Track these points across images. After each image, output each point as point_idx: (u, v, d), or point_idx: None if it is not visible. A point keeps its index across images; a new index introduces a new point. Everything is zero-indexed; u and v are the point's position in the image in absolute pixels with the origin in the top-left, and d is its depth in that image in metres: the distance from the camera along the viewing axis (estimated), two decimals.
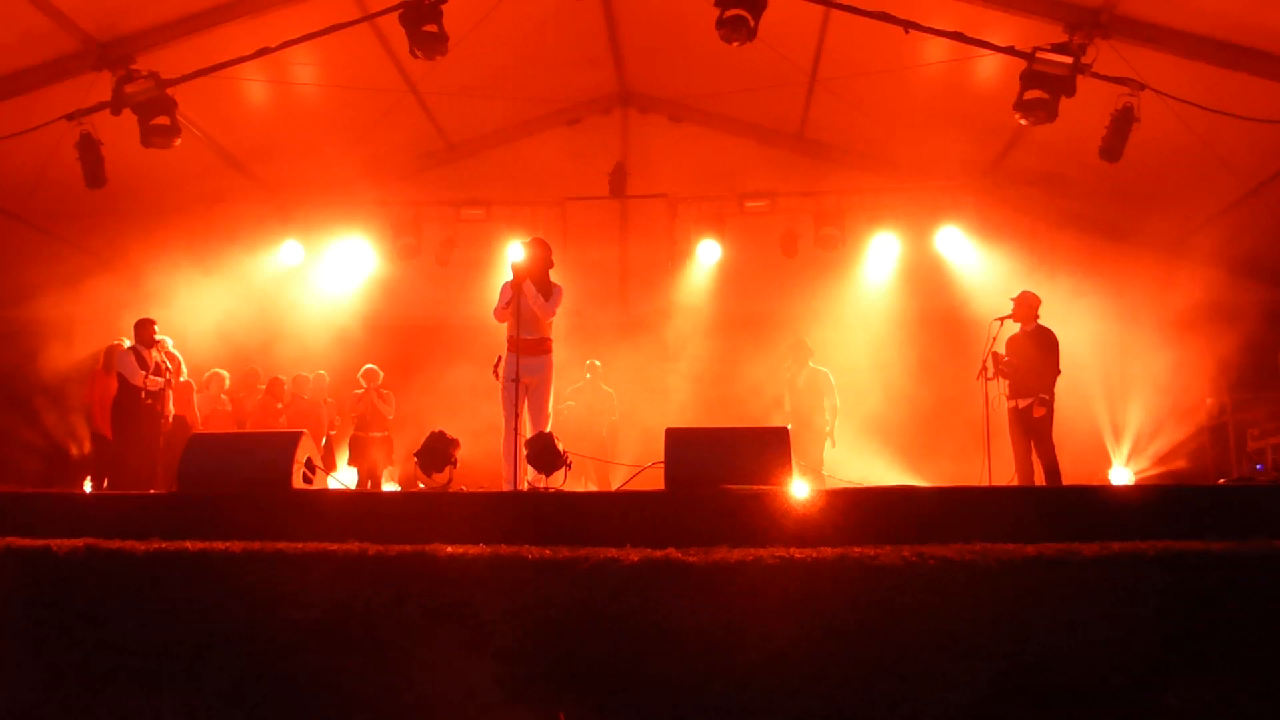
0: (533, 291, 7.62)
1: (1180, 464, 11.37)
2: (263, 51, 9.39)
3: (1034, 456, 8.64)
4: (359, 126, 12.18)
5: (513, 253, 9.44)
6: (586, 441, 10.78)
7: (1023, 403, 8.62)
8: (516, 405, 7.50)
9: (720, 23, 8.63)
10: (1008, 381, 8.75)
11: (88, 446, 10.83)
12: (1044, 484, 8.48)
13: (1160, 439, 11.48)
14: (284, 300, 13.34)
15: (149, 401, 9.42)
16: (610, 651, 4.50)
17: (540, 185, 13.42)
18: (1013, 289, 9.14)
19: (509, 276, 7.71)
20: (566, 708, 4.35)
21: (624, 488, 7.58)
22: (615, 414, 11.95)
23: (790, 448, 6.24)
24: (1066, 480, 8.54)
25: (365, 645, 4.65)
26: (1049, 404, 8.54)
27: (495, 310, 7.76)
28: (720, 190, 13.25)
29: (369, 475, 11.36)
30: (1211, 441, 11.45)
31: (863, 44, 10.16)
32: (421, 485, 7.89)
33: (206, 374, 11.22)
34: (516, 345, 7.62)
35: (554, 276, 7.90)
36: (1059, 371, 8.64)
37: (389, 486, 11.37)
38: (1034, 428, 8.53)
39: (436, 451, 7.81)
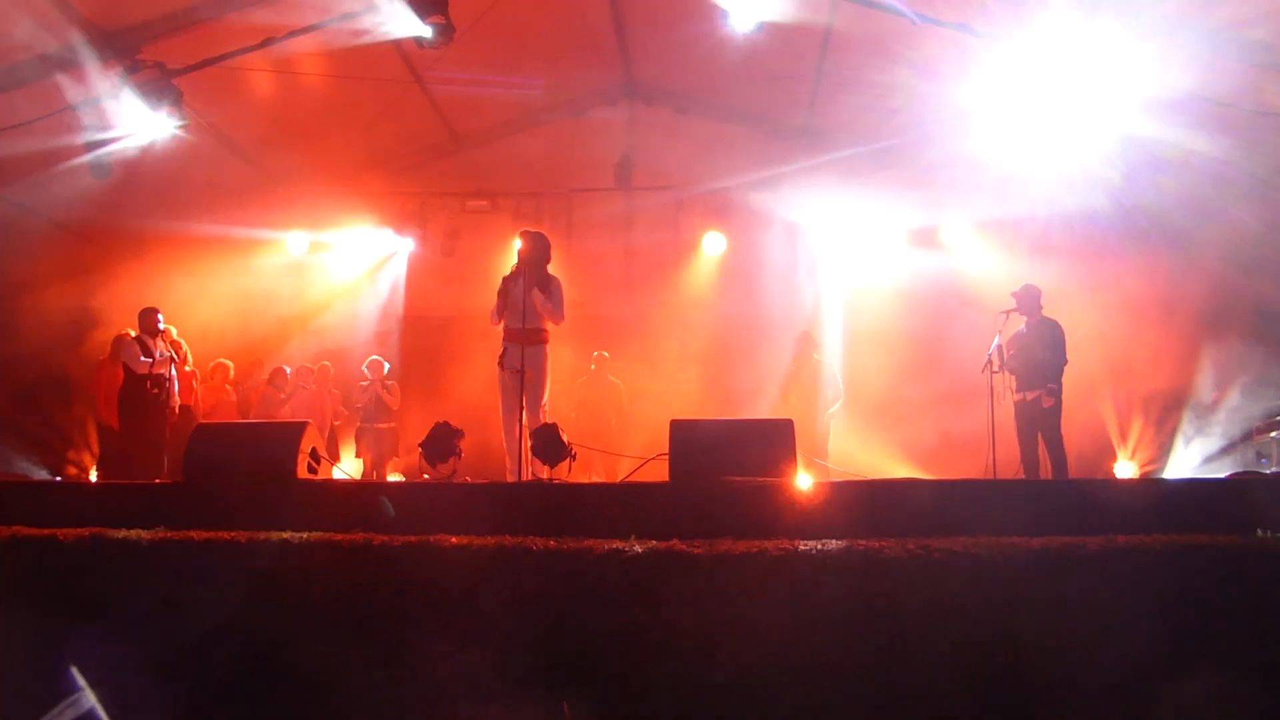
0: (541, 299, 7.65)
1: (1185, 458, 11.34)
2: (268, 42, 9.38)
3: (1040, 450, 8.63)
4: (364, 117, 12.16)
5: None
6: (593, 433, 10.78)
7: (1030, 395, 8.61)
8: (519, 396, 7.50)
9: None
10: (1015, 376, 8.75)
11: (93, 437, 10.84)
12: (1051, 476, 8.47)
13: (1165, 433, 11.45)
14: (289, 291, 13.34)
15: (154, 391, 9.43)
16: (614, 643, 4.51)
17: (545, 177, 13.39)
18: (1017, 282, 9.13)
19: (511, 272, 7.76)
20: (570, 698, 4.36)
21: (628, 479, 7.58)
22: (623, 405, 11.96)
23: (795, 440, 6.23)
24: (1072, 474, 8.53)
25: (369, 635, 4.66)
26: (1057, 394, 8.55)
27: (491, 314, 7.79)
28: (726, 182, 13.22)
29: (373, 467, 11.37)
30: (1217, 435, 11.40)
31: (870, 35, 10.11)
32: (426, 476, 7.91)
33: (211, 364, 11.24)
34: (513, 335, 7.63)
35: (557, 269, 7.92)
36: (1066, 361, 8.63)
37: (393, 478, 11.38)
38: (1042, 419, 8.53)
39: (441, 442, 7.83)
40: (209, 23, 9.71)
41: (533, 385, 7.68)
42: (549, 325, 7.84)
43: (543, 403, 7.79)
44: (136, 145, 10.01)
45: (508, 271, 7.85)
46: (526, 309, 7.63)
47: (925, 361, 12.05)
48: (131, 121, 9.73)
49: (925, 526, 4.91)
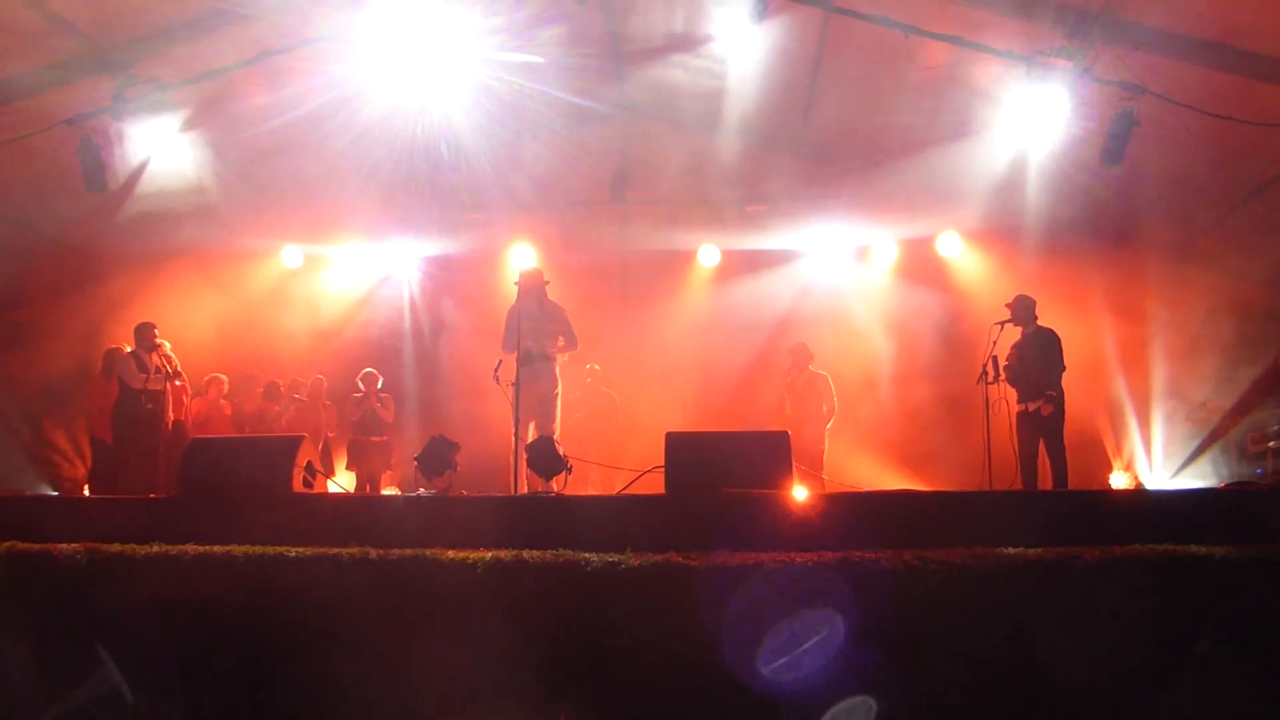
0: (563, 342, 8.43)
1: (1181, 468, 11.36)
2: (264, 55, 9.41)
3: (1040, 460, 8.64)
4: (358, 129, 12.13)
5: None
6: (590, 446, 10.76)
7: (1032, 405, 8.63)
8: (519, 410, 7.62)
9: None
10: (1016, 388, 8.76)
11: (88, 451, 10.80)
12: (1053, 484, 8.48)
13: (1161, 443, 11.47)
14: (284, 304, 13.31)
15: (149, 406, 9.42)
16: (611, 655, 4.50)
17: (540, 190, 13.38)
18: (1012, 293, 9.16)
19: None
20: (567, 710, 4.35)
21: (625, 492, 7.57)
22: (617, 417, 11.95)
23: (791, 452, 6.23)
24: (1068, 484, 8.54)
25: (366, 647, 4.65)
26: (1057, 401, 8.56)
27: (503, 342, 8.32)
28: (721, 195, 13.24)
29: (368, 480, 11.33)
30: (1212, 445, 11.43)
31: (863, 48, 10.16)
32: (422, 490, 7.89)
33: (206, 378, 11.21)
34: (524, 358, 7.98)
35: (554, 283, 8.41)
36: (1064, 368, 8.67)
37: (388, 492, 11.35)
38: (1044, 427, 8.54)
39: (436, 456, 7.81)
40: (205, 37, 9.72)
41: (541, 401, 7.93)
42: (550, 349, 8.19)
43: (554, 417, 8.01)
44: (133, 159, 10.01)
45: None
46: (538, 333, 8.08)
47: (920, 372, 12.07)
48: (127, 135, 9.75)
49: (922, 538, 4.91)
